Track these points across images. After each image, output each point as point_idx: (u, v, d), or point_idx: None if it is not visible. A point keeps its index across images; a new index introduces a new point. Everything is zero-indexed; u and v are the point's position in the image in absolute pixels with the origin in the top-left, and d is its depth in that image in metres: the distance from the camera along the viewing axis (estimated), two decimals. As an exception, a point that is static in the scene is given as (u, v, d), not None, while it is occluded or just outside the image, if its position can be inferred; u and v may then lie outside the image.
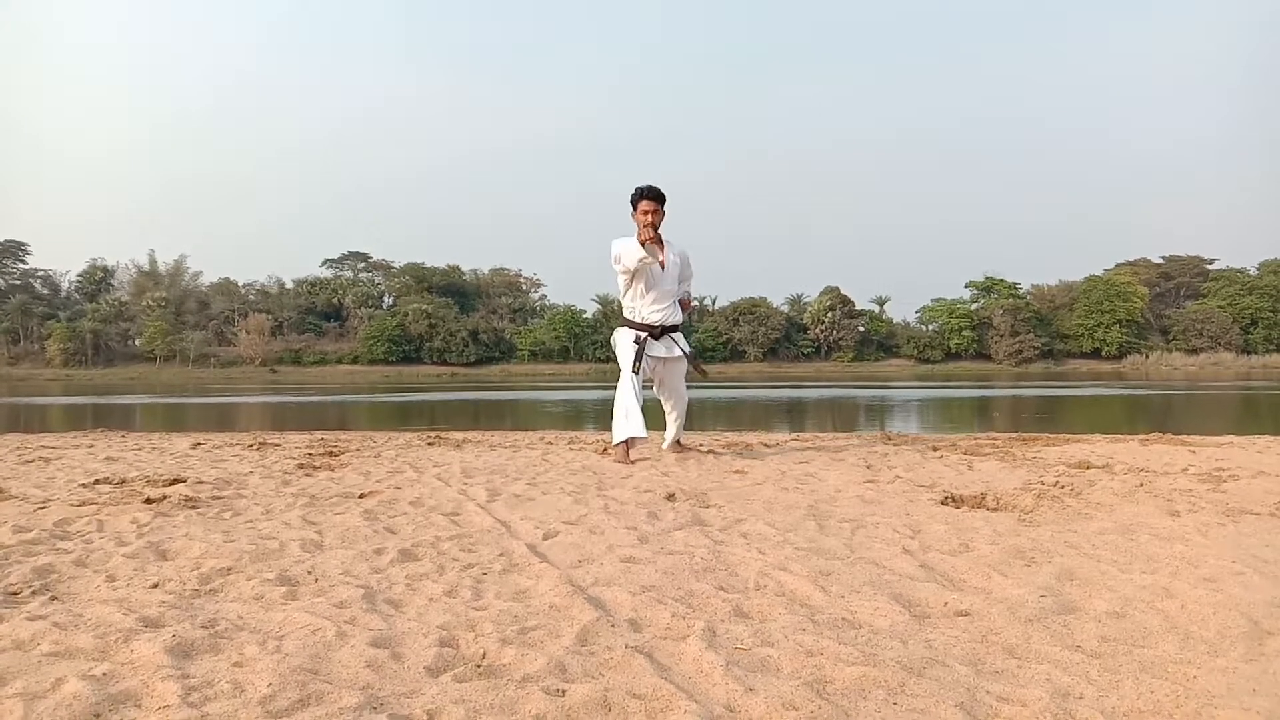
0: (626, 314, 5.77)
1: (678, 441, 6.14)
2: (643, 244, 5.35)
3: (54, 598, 2.37)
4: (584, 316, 78.35)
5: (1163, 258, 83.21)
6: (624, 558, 2.75)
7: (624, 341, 5.77)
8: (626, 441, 5.46)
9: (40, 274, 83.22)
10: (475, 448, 6.69)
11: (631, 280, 5.59)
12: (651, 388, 5.93)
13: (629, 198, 5.56)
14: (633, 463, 5.33)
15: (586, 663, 1.85)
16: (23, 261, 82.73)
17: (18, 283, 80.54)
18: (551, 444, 7.03)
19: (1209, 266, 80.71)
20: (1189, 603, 2.27)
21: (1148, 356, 71.47)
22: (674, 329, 5.83)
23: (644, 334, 5.69)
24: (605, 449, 6.11)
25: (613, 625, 2.10)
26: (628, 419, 5.42)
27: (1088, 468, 5.06)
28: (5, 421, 14.42)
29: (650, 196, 5.50)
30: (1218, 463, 5.24)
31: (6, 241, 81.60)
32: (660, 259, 5.55)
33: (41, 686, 1.71)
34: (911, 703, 1.66)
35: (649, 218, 5.47)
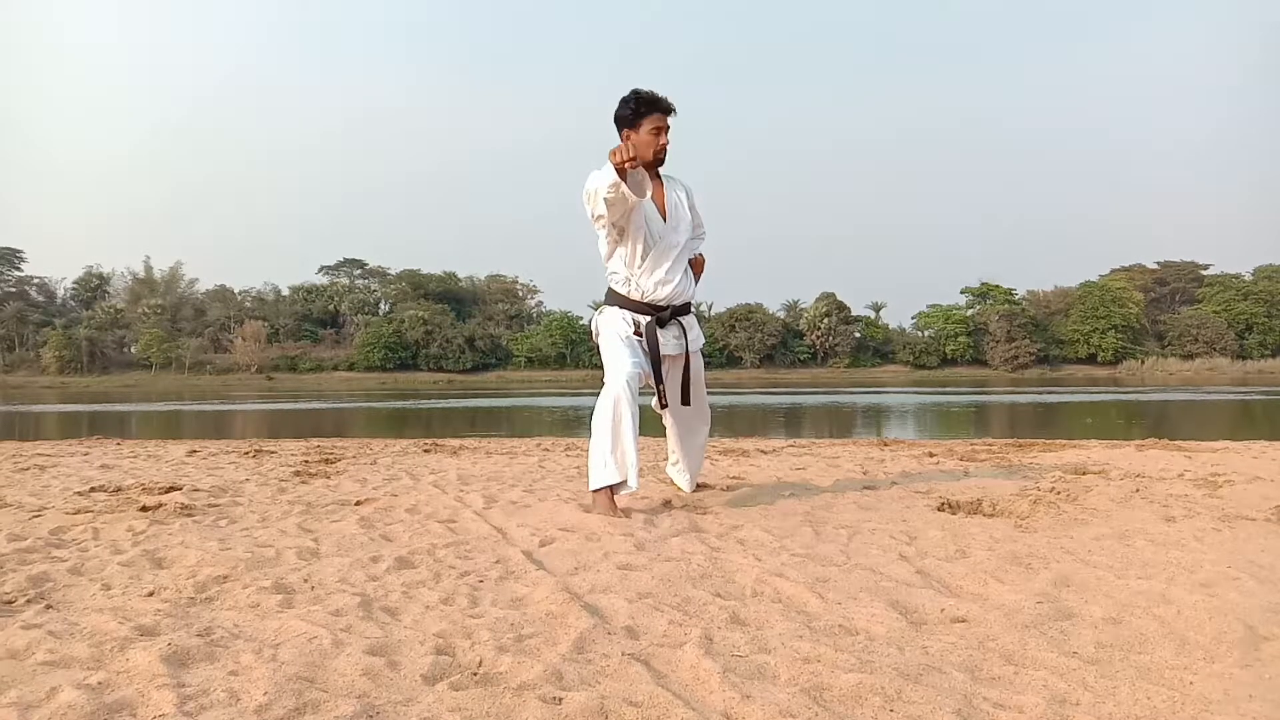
0: (618, 287, 3.92)
1: (697, 484, 4.43)
2: (621, 173, 3.46)
3: (49, 606, 2.36)
4: (580, 323, 78.32)
5: (1158, 263, 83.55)
6: (620, 565, 2.75)
7: (612, 331, 3.88)
8: (612, 486, 3.67)
9: (36, 281, 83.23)
10: (471, 455, 6.68)
11: (620, 235, 3.81)
12: (655, 398, 4.06)
13: (615, 113, 3.79)
14: (622, 514, 3.62)
15: (583, 670, 1.85)
16: (18, 269, 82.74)
17: (13, 290, 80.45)
18: (548, 451, 7.03)
19: (1204, 272, 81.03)
20: (1185, 608, 2.27)
21: (1143, 362, 71.62)
22: (685, 310, 4.04)
23: (646, 319, 3.89)
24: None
25: (609, 633, 2.09)
26: (615, 455, 3.65)
27: (1084, 473, 5.06)
28: (0, 429, 14.38)
29: (664, 109, 3.75)
30: (1213, 468, 5.25)
31: (1, 248, 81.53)
32: (646, 191, 3.67)
33: (36, 696, 1.70)
34: (908, 709, 1.66)
35: (662, 140, 3.77)
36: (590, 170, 3.67)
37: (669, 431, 4.27)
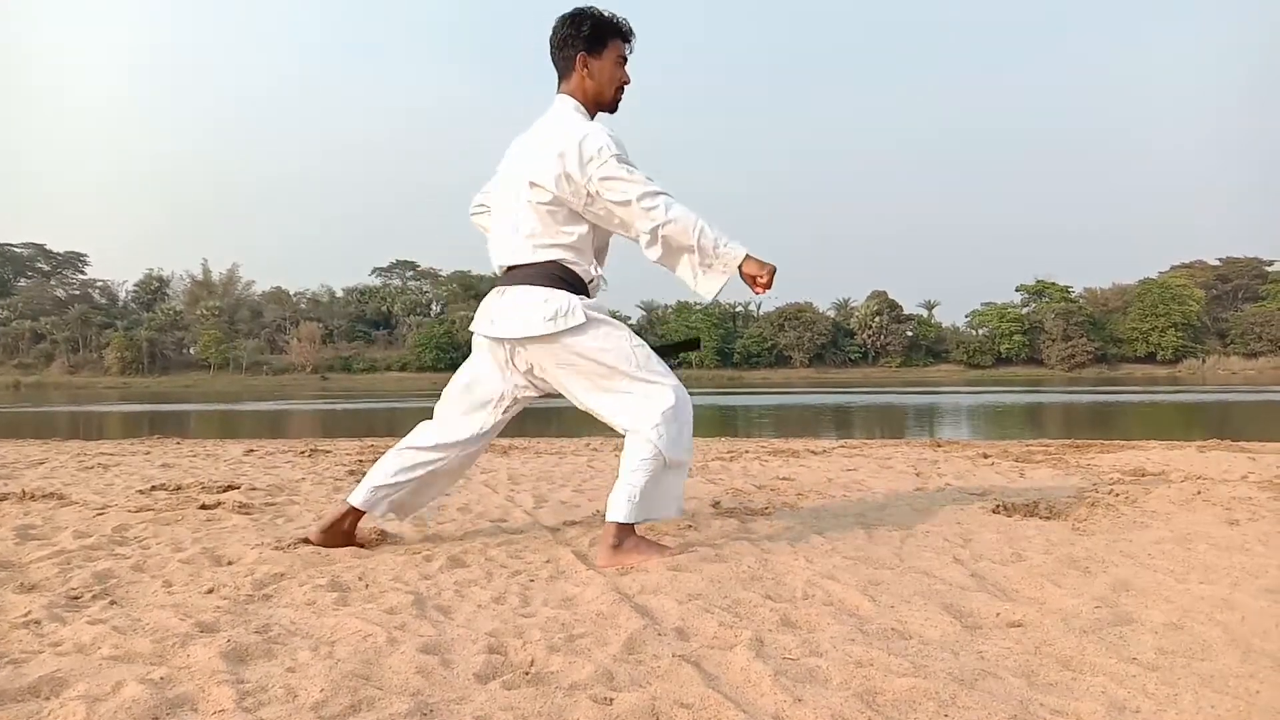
0: (576, 273, 2.94)
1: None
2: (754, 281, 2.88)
3: (113, 602, 2.42)
4: (629, 323, 78.39)
5: (1219, 259, 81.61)
6: (670, 565, 2.75)
7: (617, 326, 2.97)
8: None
9: (99, 284, 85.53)
10: (522, 454, 6.72)
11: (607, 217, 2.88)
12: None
13: (560, 35, 2.97)
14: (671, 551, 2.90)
15: (634, 671, 1.85)
16: (82, 272, 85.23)
17: (77, 293, 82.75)
18: (597, 450, 7.05)
19: (1268, 268, 78.83)
20: (1250, 615, 2.21)
21: (1204, 360, 69.98)
22: None
23: None
24: (619, 545, 2.84)
25: (660, 634, 2.09)
26: (678, 471, 2.92)
27: (1143, 475, 4.96)
28: (65, 428, 14.77)
29: (627, 35, 3.01)
30: (1279, 470, 5.11)
31: (67, 253, 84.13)
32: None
33: (102, 689, 1.75)
34: (963, 715, 1.64)
35: (626, 74, 3.03)
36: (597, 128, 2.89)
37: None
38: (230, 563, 2.90)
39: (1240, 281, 79.08)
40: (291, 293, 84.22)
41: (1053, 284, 77.60)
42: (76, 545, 3.11)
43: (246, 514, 3.85)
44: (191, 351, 77.00)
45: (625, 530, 2.84)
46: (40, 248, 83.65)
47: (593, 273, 2.99)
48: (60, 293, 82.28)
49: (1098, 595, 2.40)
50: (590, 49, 2.95)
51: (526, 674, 1.86)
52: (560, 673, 1.85)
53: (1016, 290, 79.50)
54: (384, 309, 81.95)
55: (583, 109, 2.98)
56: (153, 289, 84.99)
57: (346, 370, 73.13)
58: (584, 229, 2.92)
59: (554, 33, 2.99)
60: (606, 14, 2.98)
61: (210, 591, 2.53)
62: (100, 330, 75.62)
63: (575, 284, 2.94)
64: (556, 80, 3.03)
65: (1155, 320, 71.99)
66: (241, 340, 75.80)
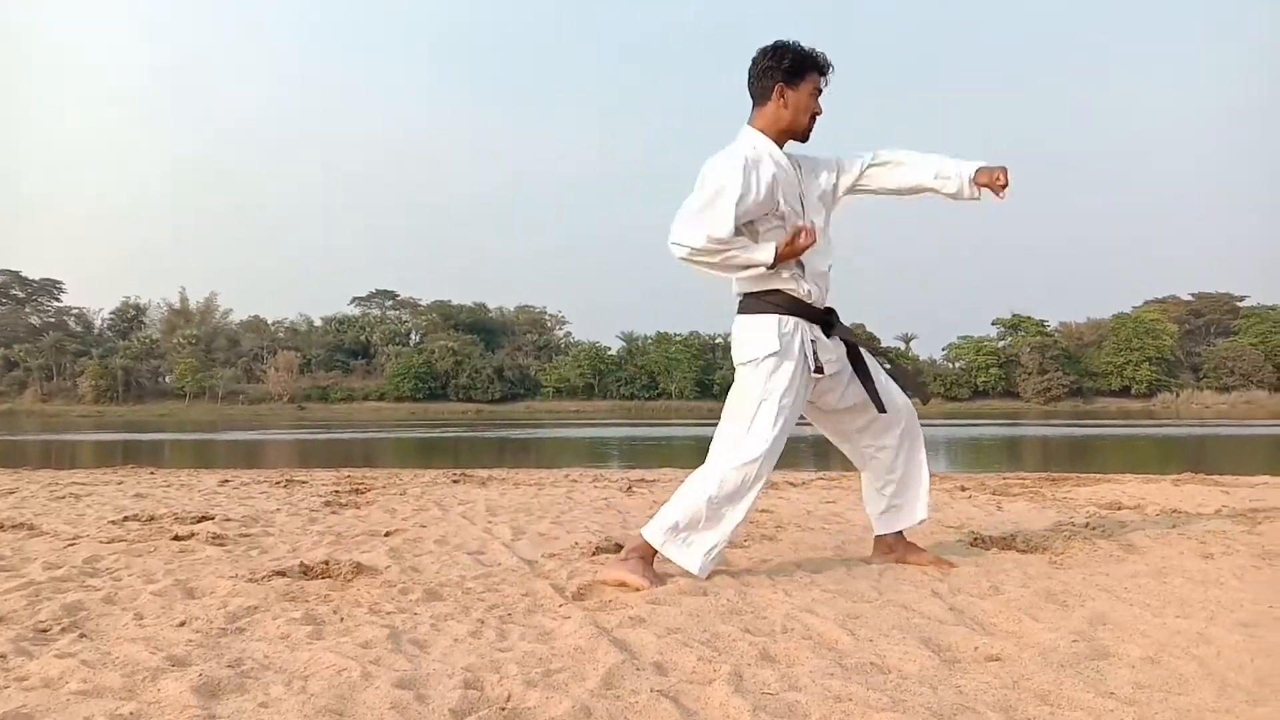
0: (780, 284, 3.06)
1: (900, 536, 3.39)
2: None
3: (83, 635, 2.38)
4: (608, 353, 78.56)
5: (1192, 295, 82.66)
6: (649, 598, 2.74)
7: (767, 343, 3.04)
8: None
9: (74, 311, 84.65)
10: (500, 485, 6.69)
11: (768, 216, 3.04)
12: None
13: (759, 67, 3.10)
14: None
15: (612, 706, 1.84)
16: (57, 299, 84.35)
17: (52, 320, 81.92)
18: (576, 482, 7.02)
19: (1239, 303, 79.95)
20: (1225, 649, 2.22)
21: (1178, 394, 70.61)
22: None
23: (807, 326, 3.09)
24: (625, 559, 3.06)
25: (638, 668, 2.08)
26: (720, 526, 2.99)
27: (1119, 509, 4.99)
28: (37, 457, 14.58)
29: (823, 69, 3.13)
30: (1252, 503, 5.16)
31: (42, 279, 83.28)
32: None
33: (69, 725, 1.72)
34: (942, 750, 1.63)
35: (819, 105, 3.15)
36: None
37: (868, 471, 3.41)
38: (203, 595, 2.87)
39: (1212, 316, 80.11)
40: (270, 321, 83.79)
41: (1028, 318, 78.29)
42: (46, 577, 3.07)
43: (220, 545, 3.81)
44: (167, 380, 76.32)
45: (646, 548, 3.02)
46: (15, 274, 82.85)
47: (787, 275, 3.06)
48: (35, 320, 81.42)
49: (1075, 629, 2.41)
50: (789, 80, 3.08)
51: (503, 710, 1.84)
52: (537, 708, 1.83)
53: (992, 324, 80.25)
54: (362, 338, 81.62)
55: (763, 136, 3.12)
56: (129, 317, 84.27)
57: (324, 400, 72.63)
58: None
59: (754, 63, 3.14)
60: (806, 48, 3.13)
61: (182, 624, 2.49)
62: (75, 358, 74.81)
63: (763, 303, 3.10)
64: (751, 106, 3.19)
65: (1129, 354, 72.69)
66: (218, 369, 75.17)
